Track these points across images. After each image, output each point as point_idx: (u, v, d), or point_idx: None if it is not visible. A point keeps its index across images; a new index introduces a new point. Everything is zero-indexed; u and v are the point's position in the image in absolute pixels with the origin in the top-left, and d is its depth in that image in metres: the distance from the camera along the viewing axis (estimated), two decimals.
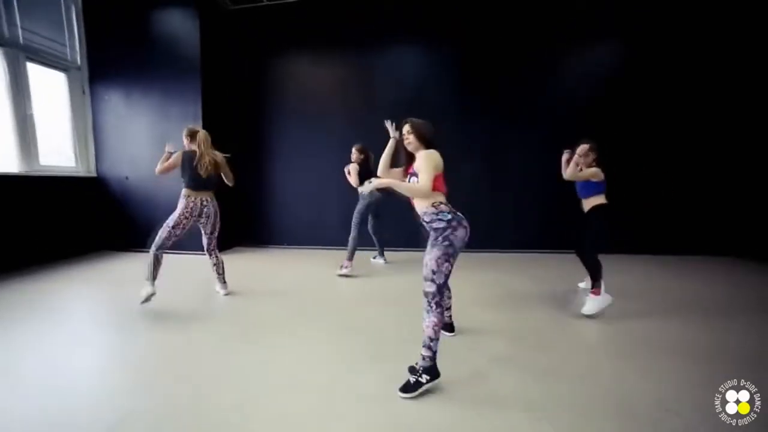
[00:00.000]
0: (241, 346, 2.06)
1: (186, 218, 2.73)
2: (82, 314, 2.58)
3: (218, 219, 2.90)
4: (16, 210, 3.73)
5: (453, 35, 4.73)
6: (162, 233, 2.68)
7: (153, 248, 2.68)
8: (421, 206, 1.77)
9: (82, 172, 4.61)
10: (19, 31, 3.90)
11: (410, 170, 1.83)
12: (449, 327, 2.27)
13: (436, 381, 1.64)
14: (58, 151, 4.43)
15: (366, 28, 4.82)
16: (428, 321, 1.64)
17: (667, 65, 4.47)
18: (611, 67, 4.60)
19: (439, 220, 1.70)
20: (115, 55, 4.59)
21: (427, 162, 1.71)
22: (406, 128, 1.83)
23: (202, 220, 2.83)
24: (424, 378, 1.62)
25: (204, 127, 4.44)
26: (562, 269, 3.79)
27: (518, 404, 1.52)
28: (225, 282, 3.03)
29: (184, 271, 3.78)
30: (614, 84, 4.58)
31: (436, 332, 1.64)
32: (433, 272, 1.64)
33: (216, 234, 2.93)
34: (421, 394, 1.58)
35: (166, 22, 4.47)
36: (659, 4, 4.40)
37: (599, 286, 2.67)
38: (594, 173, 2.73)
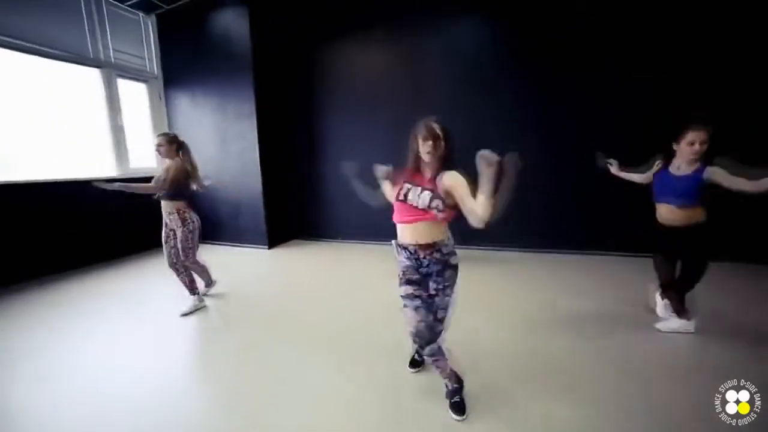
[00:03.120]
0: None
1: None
2: (152, 312, 2.95)
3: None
4: (115, 209, 4.40)
5: (506, 2, 4.06)
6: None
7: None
8: (436, 233, 1.47)
9: None
10: (111, 52, 4.51)
11: (424, 182, 1.48)
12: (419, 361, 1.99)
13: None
14: (146, 155, 5.09)
15: (411, 5, 4.38)
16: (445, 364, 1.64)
17: None
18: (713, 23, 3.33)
19: (454, 253, 1.52)
20: (181, 61, 5.04)
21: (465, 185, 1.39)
22: (436, 129, 1.44)
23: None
24: (463, 392, 1.68)
25: (258, 123, 4.86)
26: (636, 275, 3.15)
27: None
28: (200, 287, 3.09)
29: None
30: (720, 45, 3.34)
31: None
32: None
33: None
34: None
35: (220, 22, 4.67)
36: None
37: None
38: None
